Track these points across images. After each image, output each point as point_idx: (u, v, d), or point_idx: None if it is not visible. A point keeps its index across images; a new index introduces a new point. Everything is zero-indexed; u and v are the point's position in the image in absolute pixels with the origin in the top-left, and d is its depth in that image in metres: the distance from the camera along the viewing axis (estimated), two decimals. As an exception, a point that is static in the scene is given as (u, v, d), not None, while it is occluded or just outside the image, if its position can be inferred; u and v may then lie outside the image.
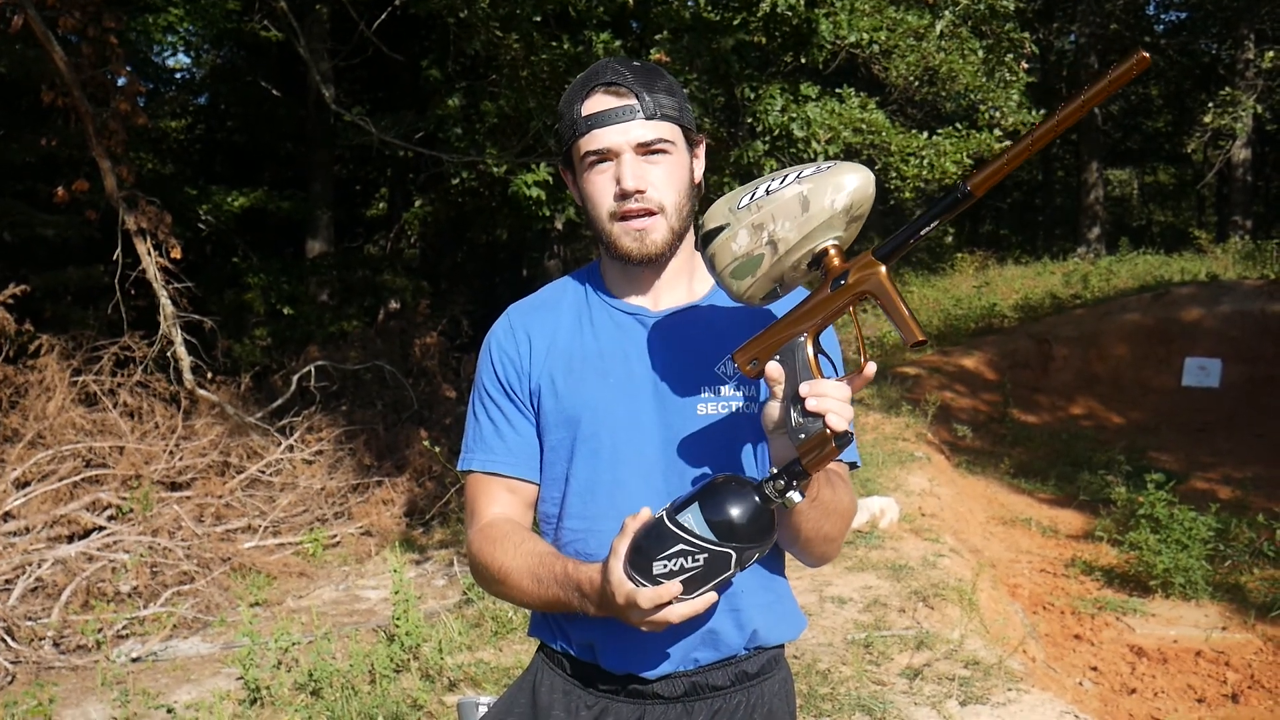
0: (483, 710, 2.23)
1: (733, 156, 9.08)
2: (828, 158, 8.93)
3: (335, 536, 9.25)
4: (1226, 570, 7.68)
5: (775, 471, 1.69)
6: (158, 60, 19.84)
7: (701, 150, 2.00)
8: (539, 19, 8.84)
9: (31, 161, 13.52)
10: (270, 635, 5.67)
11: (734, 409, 1.92)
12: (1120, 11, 25.87)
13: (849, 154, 9.29)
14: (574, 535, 1.95)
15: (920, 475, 8.87)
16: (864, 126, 8.98)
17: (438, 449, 8.70)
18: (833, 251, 1.70)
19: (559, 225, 15.89)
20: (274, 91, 17.81)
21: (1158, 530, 7.66)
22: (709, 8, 8.72)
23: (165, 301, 9.00)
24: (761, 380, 1.88)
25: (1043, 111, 10.16)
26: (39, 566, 7.21)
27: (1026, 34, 10.24)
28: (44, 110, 8.98)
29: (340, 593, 8.05)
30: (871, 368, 1.66)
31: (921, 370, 13.63)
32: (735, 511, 1.66)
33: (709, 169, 9.12)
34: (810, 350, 1.71)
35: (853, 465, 2.02)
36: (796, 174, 1.71)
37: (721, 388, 1.92)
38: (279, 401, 10.74)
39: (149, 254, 8.85)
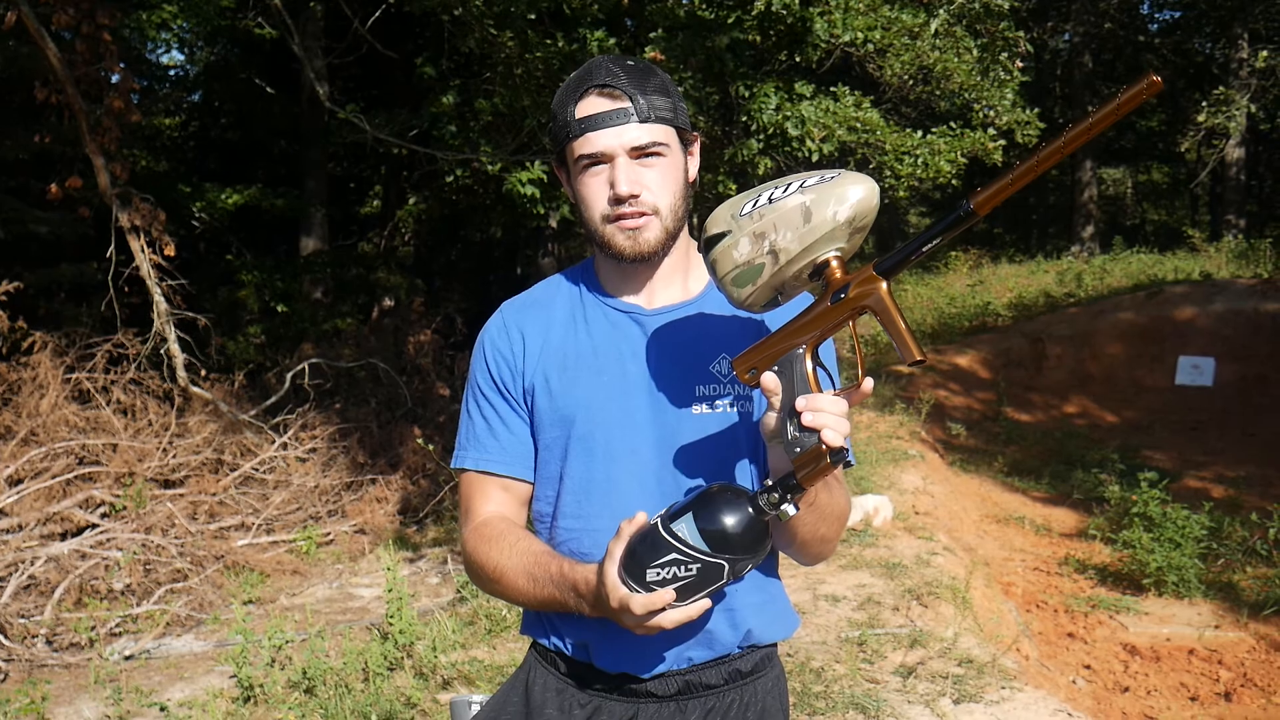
0: (475, 709, 2.23)
1: (727, 155, 9.08)
2: (822, 156, 8.93)
3: (329, 534, 9.24)
4: (1219, 569, 7.70)
5: (770, 484, 1.69)
6: (152, 57, 19.84)
7: (696, 148, 1.99)
8: (533, 16, 8.84)
9: (25, 158, 13.47)
10: (264, 633, 5.66)
11: (728, 407, 1.92)
12: (1114, 10, 25.89)
13: (843, 152, 9.29)
14: (569, 534, 1.95)
15: (914, 473, 8.88)
16: (858, 125, 8.99)
17: (431, 447, 8.70)
18: (834, 263, 1.68)
19: (553, 223, 15.87)
20: (268, 89, 17.78)
21: (1151, 529, 7.68)
22: (703, 6, 8.72)
23: (159, 299, 8.98)
24: None
25: (1036, 111, 10.17)
26: (32, 564, 7.19)
27: (1021, 33, 10.24)
28: (37, 107, 8.95)
29: (334, 591, 8.04)
30: (869, 384, 1.65)
31: (915, 369, 13.63)
32: (729, 523, 1.66)
33: (704, 167, 9.13)
34: (809, 363, 1.70)
35: (847, 464, 2.02)
36: (800, 183, 1.68)
37: (716, 386, 1.92)
38: (273, 399, 10.73)
39: (143, 251, 8.83)
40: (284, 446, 9.94)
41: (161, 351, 9.26)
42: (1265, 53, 18.84)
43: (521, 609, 2.06)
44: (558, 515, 1.98)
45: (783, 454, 1.71)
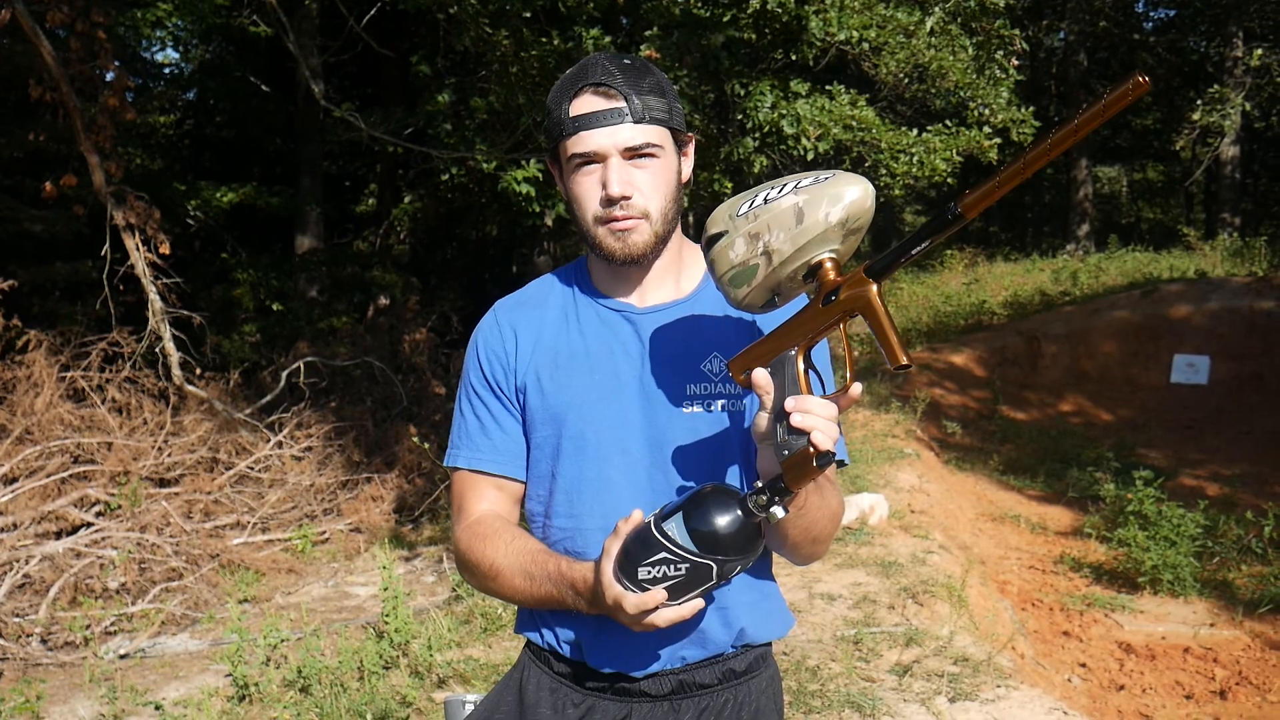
0: (469, 708, 2.23)
1: (723, 153, 9.08)
2: (817, 154, 8.93)
3: (324, 533, 9.24)
4: (1215, 567, 7.71)
5: (760, 485, 1.68)
6: (146, 55, 19.80)
7: (690, 149, 1.99)
8: (528, 15, 8.83)
9: (19, 156, 13.46)
10: (259, 632, 5.66)
11: (720, 406, 1.91)
12: (1109, 9, 25.91)
13: (839, 151, 9.29)
14: (563, 533, 1.95)
15: (910, 472, 8.89)
16: (854, 123, 8.99)
17: (427, 445, 8.70)
18: (828, 265, 1.66)
19: (549, 221, 15.85)
20: (263, 87, 17.77)
21: (1146, 527, 7.68)
22: (699, 4, 8.72)
23: (154, 297, 8.97)
24: None
25: (1031, 109, 10.17)
26: (26, 563, 7.19)
27: (1016, 31, 10.25)
28: (32, 105, 8.95)
29: (329, 589, 8.04)
30: (857, 388, 1.65)
31: (911, 367, 13.62)
32: (718, 524, 1.67)
33: (699, 165, 9.13)
34: (800, 365, 1.69)
35: (840, 463, 2.01)
36: (795, 183, 1.68)
37: (707, 385, 1.92)
38: (268, 398, 10.72)
39: (137, 249, 8.82)
40: (279, 445, 9.94)
41: (156, 350, 9.25)
42: (1260, 51, 18.88)
43: (516, 608, 2.06)
44: (550, 514, 1.97)
45: (772, 456, 1.71)
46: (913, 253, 1.59)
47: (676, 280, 2.00)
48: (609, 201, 1.85)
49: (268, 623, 5.81)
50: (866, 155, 9.33)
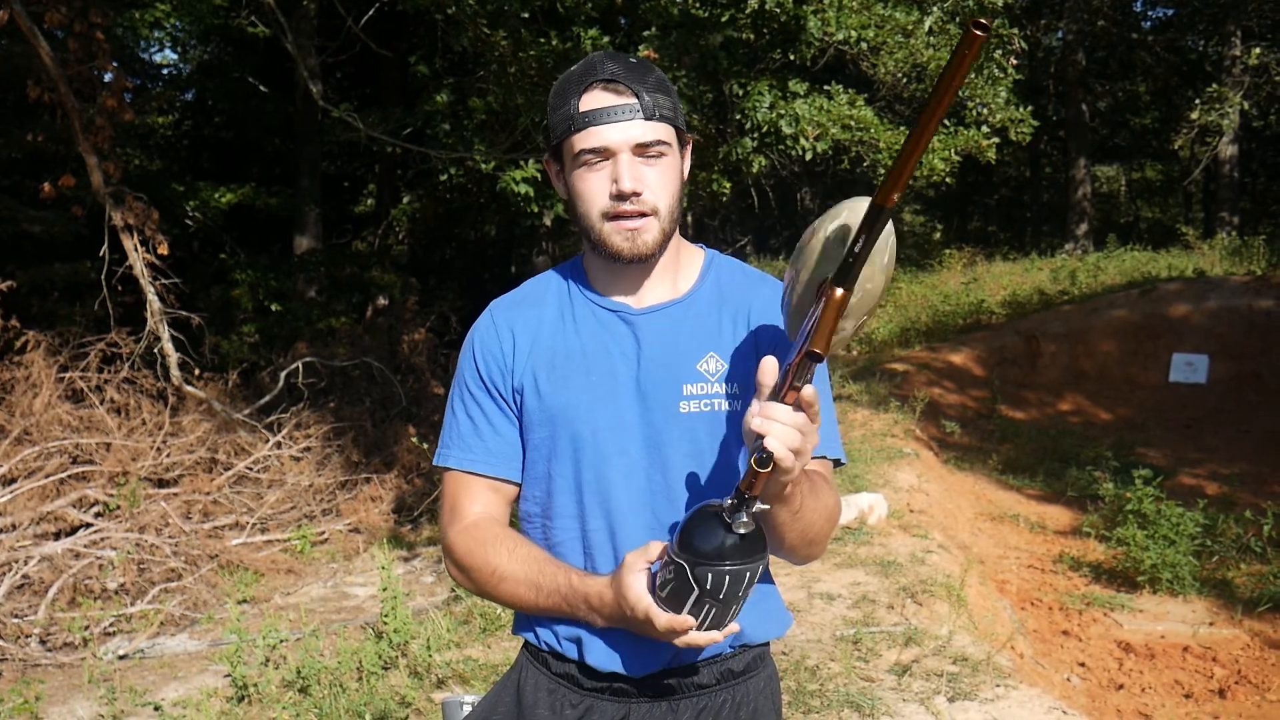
0: (467, 709, 2.22)
1: (721, 153, 9.09)
2: (816, 154, 8.95)
3: (323, 533, 9.24)
4: (1214, 566, 7.71)
5: (731, 496, 1.69)
6: (145, 56, 19.78)
7: (689, 149, 2.00)
8: (526, 15, 8.83)
9: (18, 157, 13.46)
10: (258, 632, 5.66)
11: (716, 406, 1.91)
12: (1108, 8, 25.93)
13: (837, 151, 9.30)
14: (565, 534, 1.95)
15: (909, 471, 8.89)
16: (852, 123, 8.99)
17: (426, 446, 8.69)
18: (830, 281, 1.68)
19: (547, 222, 15.86)
20: (261, 87, 17.77)
21: (1145, 526, 7.68)
22: (697, 4, 8.72)
23: (152, 298, 8.97)
24: (746, 376, 1.91)
25: (1030, 108, 10.18)
26: (25, 563, 7.19)
27: (1015, 30, 10.25)
28: (30, 106, 8.95)
29: (328, 590, 8.04)
30: (808, 391, 1.62)
31: (910, 367, 13.65)
32: (704, 549, 1.67)
33: (698, 165, 9.14)
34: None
35: (837, 463, 2.01)
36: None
37: (704, 385, 1.91)
38: (267, 398, 10.72)
39: (136, 250, 8.82)
40: (278, 445, 9.94)
41: (155, 351, 9.25)
42: (1258, 50, 18.89)
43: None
44: (551, 516, 1.96)
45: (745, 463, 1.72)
46: (856, 251, 1.59)
47: (674, 281, 2.00)
48: (620, 197, 1.85)
49: (267, 623, 5.81)
50: (865, 155, 9.34)
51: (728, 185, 9.47)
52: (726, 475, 1.91)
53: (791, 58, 9.25)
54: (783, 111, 8.71)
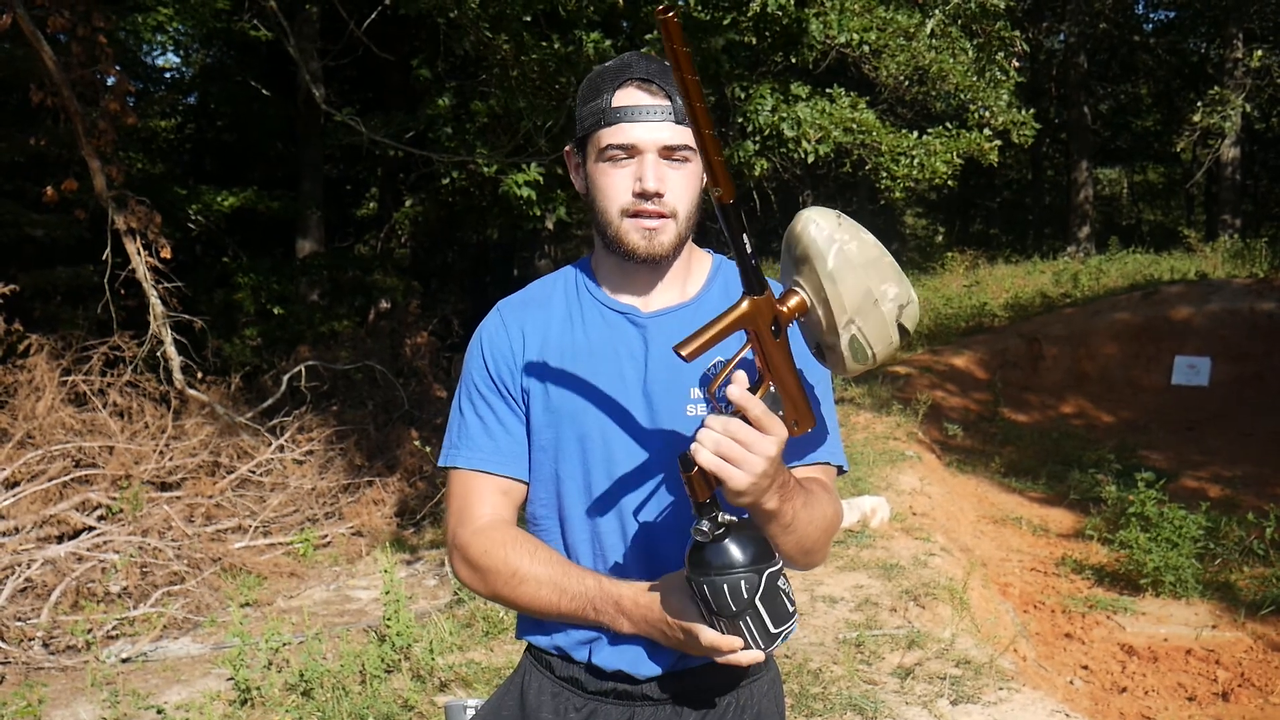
0: (470, 713, 2.22)
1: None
2: (818, 157, 8.95)
3: (326, 536, 9.23)
4: (1217, 568, 7.70)
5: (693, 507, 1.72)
6: (147, 60, 19.80)
7: None
8: (529, 19, 8.84)
9: (20, 161, 13.46)
10: (261, 635, 5.66)
11: (723, 410, 1.91)
12: (1109, 11, 25.93)
13: (839, 154, 9.30)
14: (575, 537, 1.95)
15: (911, 474, 8.88)
16: (854, 126, 9.00)
17: (428, 449, 8.69)
18: (792, 295, 1.75)
19: (549, 225, 15.88)
20: (264, 91, 17.77)
21: (1148, 529, 7.68)
22: (699, 7, 8.72)
23: (155, 301, 8.98)
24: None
25: (1032, 111, 10.19)
26: (28, 567, 7.19)
27: (1017, 33, 10.25)
28: (33, 110, 8.94)
29: (331, 593, 8.04)
30: (732, 391, 1.64)
31: (912, 369, 13.65)
32: (695, 557, 1.70)
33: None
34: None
35: (840, 470, 2.02)
36: None
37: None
38: (269, 401, 10.72)
39: (139, 253, 8.83)
40: (281, 449, 9.93)
41: (158, 354, 9.25)
42: (1260, 52, 18.90)
43: (518, 612, 2.05)
44: (562, 518, 1.96)
45: None
46: (742, 251, 1.64)
47: (683, 285, 2.00)
48: (643, 196, 1.85)
49: (269, 626, 5.81)
50: (867, 158, 9.34)
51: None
52: None
53: (793, 61, 9.26)
54: (785, 114, 8.71)
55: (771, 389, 1.71)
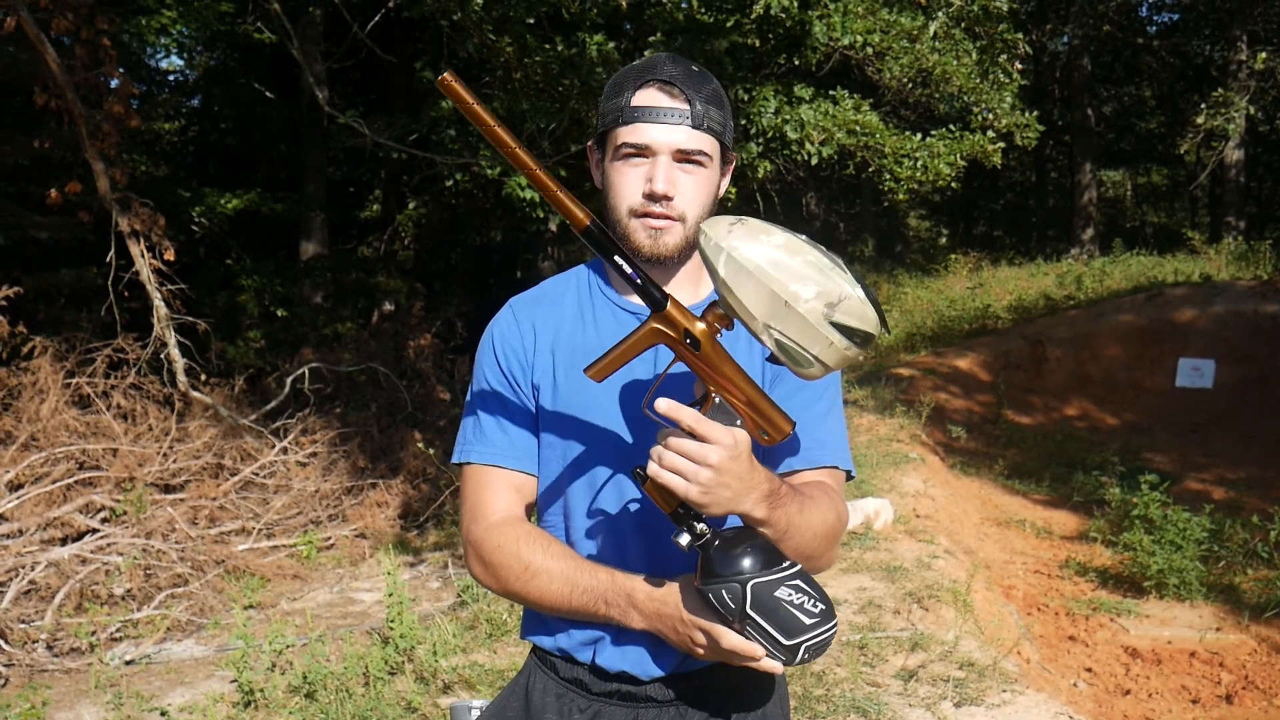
0: (475, 714, 2.22)
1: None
2: (821, 159, 8.95)
3: (329, 539, 9.24)
4: (1221, 571, 7.69)
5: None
6: (151, 62, 19.84)
7: (730, 168, 2.02)
8: (532, 21, 8.84)
9: (24, 163, 13.50)
10: (264, 638, 5.66)
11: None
12: (1113, 13, 25.91)
13: (842, 155, 9.30)
14: (585, 533, 1.95)
15: (914, 477, 8.87)
16: (857, 128, 9.00)
17: (432, 451, 8.69)
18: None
19: (553, 227, 15.88)
20: (267, 93, 17.79)
21: (1152, 531, 7.67)
22: (702, 9, 8.73)
23: (159, 303, 8.99)
24: (761, 383, 1.93)
25: (1035, 113, 10.19)
26: (32, 569, 7.19)
27: (1020, 35, 10.25)
28: (37, 112, 8.96)
29: (334, 595, 8.04)
30: (661, 403, 1.65)
31: (915, 372, 13.64)
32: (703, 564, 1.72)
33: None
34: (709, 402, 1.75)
35: (848, 475, 2.01)
36: None
37: None
38: (273, 404, 10.73)
39: (142, 256, 8.84)
40: (284, 451, 9.94)
41: (161, 356, 9.27)
42: (1264, 54, 18.84)
43: (521, 614, 2.06)
44: (572, 514, 1.97)
45: None
46: (621, 274, 1.69)
47: (694, 288, 2.01)
48: (652, 197, 1.86)
49: (273, 628, 5.81)
50: (870, 160, 9.34)
51: (733, 190, 9.48)
52: None
53: (797, 63, 9.26)
54: (788, 116, 8.71)
55: (717, 400, 1.72)
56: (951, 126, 9.71)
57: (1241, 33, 22.71)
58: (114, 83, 8.99)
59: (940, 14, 9.24)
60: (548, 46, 8.91)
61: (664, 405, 1.64)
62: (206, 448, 9.46)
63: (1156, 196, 36.70)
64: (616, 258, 1.67)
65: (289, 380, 11.06)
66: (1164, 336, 14.30)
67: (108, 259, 8.97)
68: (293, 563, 8.66)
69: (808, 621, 1.70)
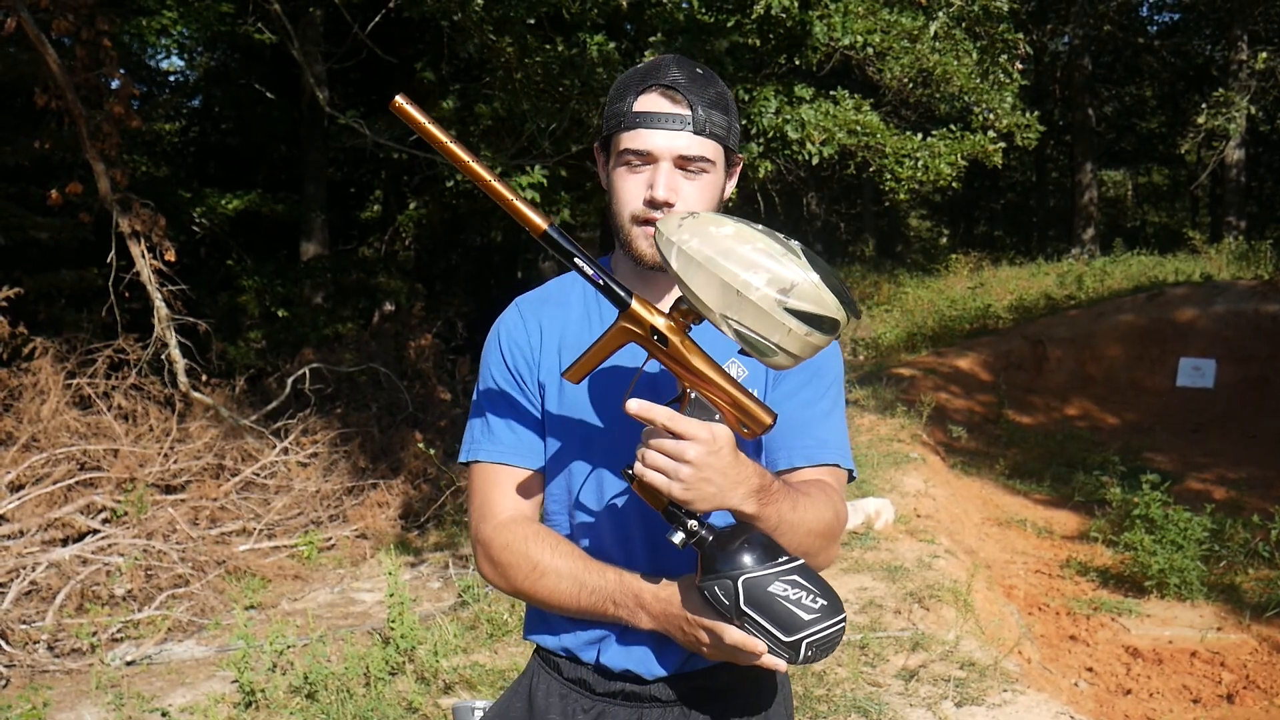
0: (478, 715, 2.22)
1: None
2: (822, 159, 8.95)
3: (330, 539, 9.24)
4: (1221, 571, 7.69)
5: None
6: (151, 63, 19.84)
7: (737, 170, 2.01)
8: (532, 21, 8.84)
9: (25, 164, 13.50)
10: (265, 638, 5.66)
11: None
12: (1114, 13, 25.92)
13: (843, 155, 9.30)
14: (591, 533, 1.95)
15: (915, 476, 8.87)
16: (858, 128, 9.00)
17: (433, 451, 8.69)
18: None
19: (553, 228, 15.86)
20: (268, 94, 17.80)
21: (1153, 531, 7.67)
22: (703, 10, 8.73)
23: (159, 304, 9.00)
24: (764, 380, 1.94)
25: (1036, 113, 10.19)
26: (33, 570, 7.20)
27: (1020, 35, 10.25)
28: (37, 113, 8.97)
29: (335, 595, 8.04)
30: (631, 404, 1.66)
31: (916, 371, 13.64)
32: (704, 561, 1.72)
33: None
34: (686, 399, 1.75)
35: (850, 475, 2.01)
36: None
37: None
38: (273, 404, 10.73)
39: (143, 257, 8.85)
40: (285, 451, 9.94)
41: (162, 357, 9.27)
42: (1265, 54, 18.86)
43: (524, 614, 2.05)
44: (576, 514, 1.97)
45: None
46: (584, 275, 1.73)
47: None
48: (652, 204, 1.85)
49: (274, 629, 5.81)
50: (871, 160, 9.34)
51: (734, 190, 9.47)
52: None
53: (797, 63, 9.26)
54: (789, 116, 8.71)
55: (693, 396, 1.72)
56: (952, 126, 9.71)
57: (1242, 32, 22.72)
58: (114, 83, 9.00)
59: (941, 14, 9.24)
60: (548, 47, 8.91)
61: (635, 406, 1.65)
62: (207, 448, 9.46)
63: (1157, 196, 36.71)
64: (577, 259, 1.69)
65: (290, 381, 11.06)
66: (1165, 336, 14.29)
67: (108, 260, 8.98)
68: (293, 563, 8.67)
69: (806, 617, 1.69)
